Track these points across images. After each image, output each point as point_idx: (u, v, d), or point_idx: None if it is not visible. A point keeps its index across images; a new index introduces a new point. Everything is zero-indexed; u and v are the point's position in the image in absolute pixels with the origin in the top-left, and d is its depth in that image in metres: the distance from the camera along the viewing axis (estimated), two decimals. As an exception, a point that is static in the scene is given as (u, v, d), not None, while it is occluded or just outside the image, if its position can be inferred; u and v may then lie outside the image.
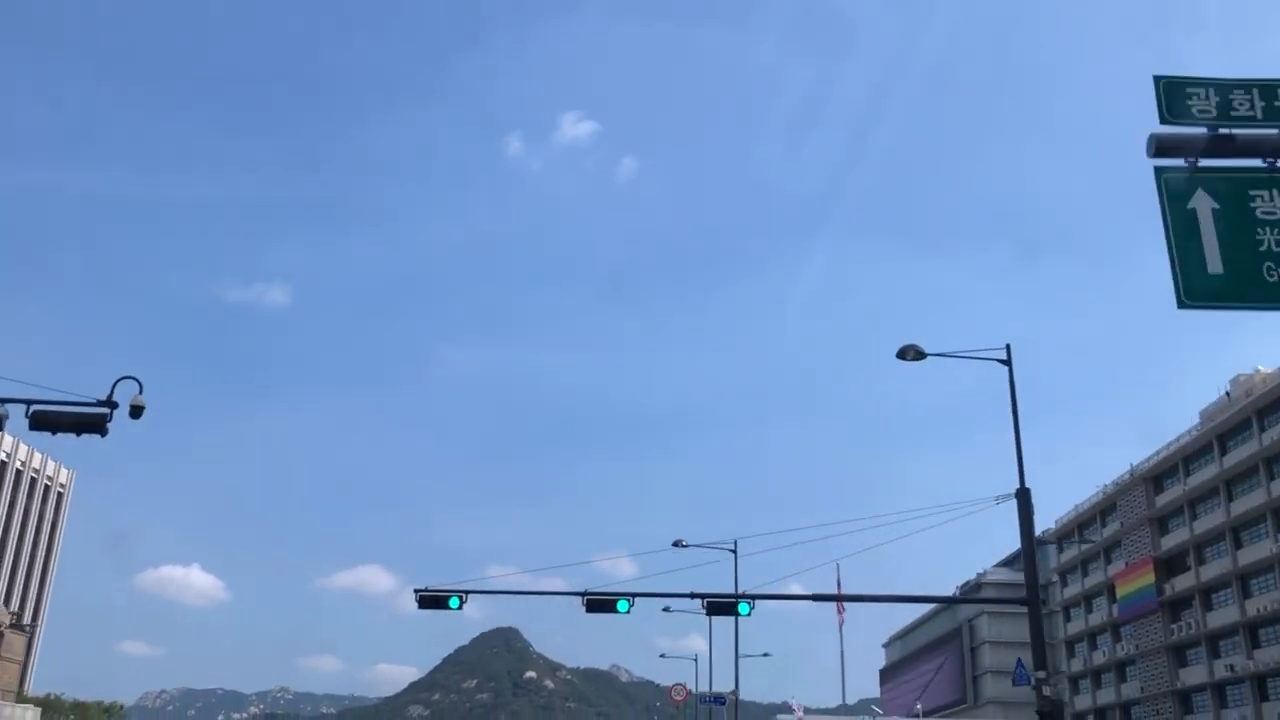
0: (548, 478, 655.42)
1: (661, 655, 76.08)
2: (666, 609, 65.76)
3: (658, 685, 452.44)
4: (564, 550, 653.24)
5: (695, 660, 73.65)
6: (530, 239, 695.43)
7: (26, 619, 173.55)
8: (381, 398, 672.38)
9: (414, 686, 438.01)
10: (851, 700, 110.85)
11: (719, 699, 48.89)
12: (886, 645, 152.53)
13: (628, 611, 29.57)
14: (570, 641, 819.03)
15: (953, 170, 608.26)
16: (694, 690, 77.17)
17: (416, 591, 30.02)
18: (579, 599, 30.33)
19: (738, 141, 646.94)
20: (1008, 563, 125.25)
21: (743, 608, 29.49)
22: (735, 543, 49.83)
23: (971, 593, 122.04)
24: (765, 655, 68.96)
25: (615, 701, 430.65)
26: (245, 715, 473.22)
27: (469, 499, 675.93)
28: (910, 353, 29.04)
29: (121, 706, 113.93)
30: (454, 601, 29.81)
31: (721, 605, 29.86)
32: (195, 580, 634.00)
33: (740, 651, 73.22)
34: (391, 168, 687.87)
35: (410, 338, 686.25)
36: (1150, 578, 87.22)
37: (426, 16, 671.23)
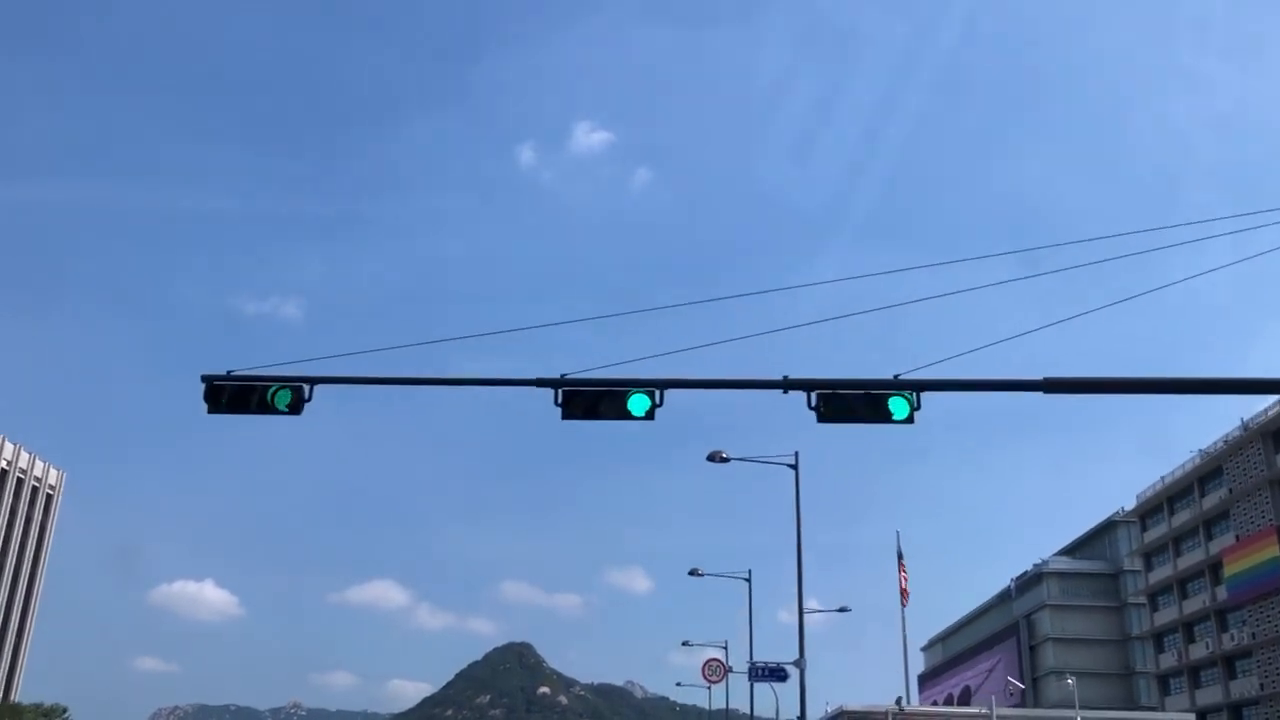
0: (561, 492, 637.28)
1: (684, 643, 59.38)
2: (695, 570, 49.61)
3: (673, 701, 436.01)
4: (576, 565, 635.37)
5: (725, 646, 56.42)
6: (543, 251, 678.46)
7: (13, 625, 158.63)
8: (395, 411, 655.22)
9: (427, 702, 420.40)
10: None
11: (777, 671, 32.65)
12: (925, 649, 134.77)
13: (646, 415, 13.24)
14: (584, 657, 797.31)
15: (969, 180, 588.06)
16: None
17: (206, 380, 13.60)
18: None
19: (756, 151, 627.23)
20: (1070, 550, 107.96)
21: (898, 405, 13.07)
22: (796, 455, 33.57)
23: (1030, 585, 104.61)
24: (843, 610, 52.70)
25: (630, 718, 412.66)
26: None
27: (482, 513, 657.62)
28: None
29: (64, 710, 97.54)
30: (282, 398, 13.47)
31: (847, 403, 13.42)
32: (209, 595, 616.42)
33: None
34: (404, 179, 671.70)
35: (423, 350, 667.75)
36: (1273, 550, 70.12)
37: (438, 25, 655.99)
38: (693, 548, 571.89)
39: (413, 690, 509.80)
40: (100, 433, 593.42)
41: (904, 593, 65.02)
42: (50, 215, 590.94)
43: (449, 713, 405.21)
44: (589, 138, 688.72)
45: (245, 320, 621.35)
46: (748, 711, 68.07)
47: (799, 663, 32.27)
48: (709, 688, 43.28)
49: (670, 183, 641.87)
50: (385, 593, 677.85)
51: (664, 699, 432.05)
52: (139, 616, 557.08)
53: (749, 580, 48.49)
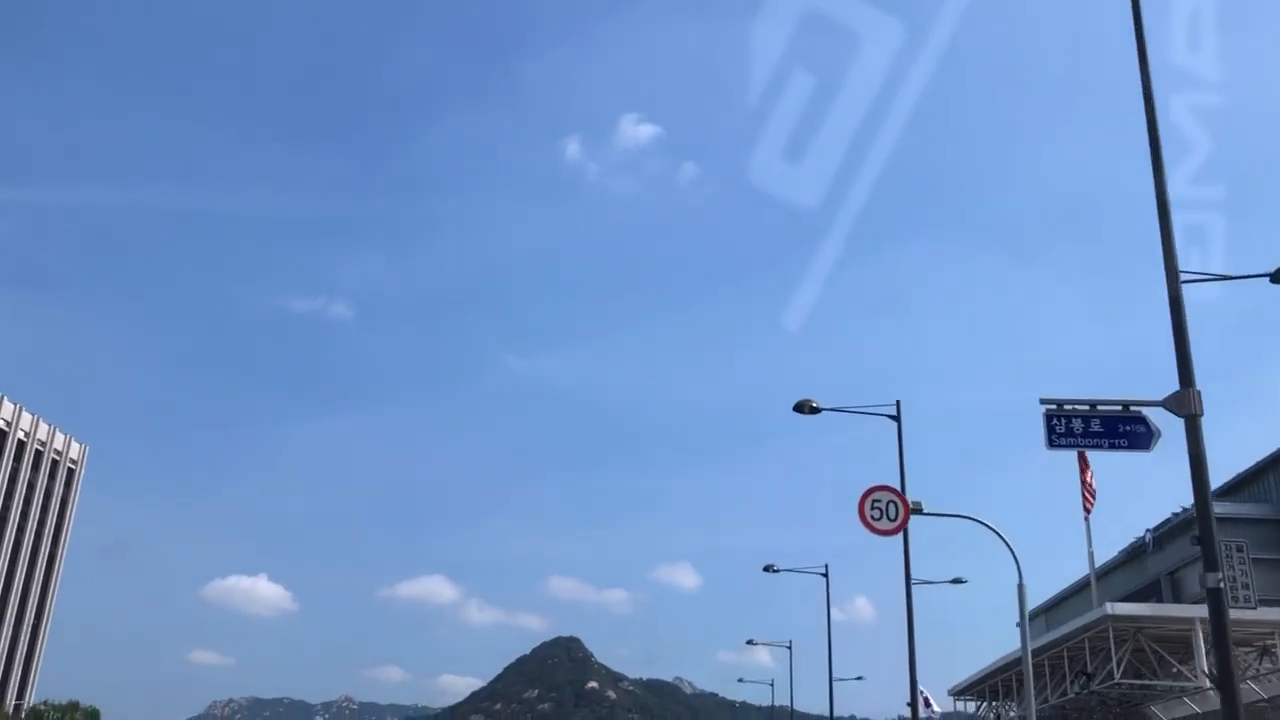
0: (609, 487, 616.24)
1: (768, 567, 38.74)
2: (804, 404, 28.18)
3: (721, 697, 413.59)
4: (625, 561, 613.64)
5: (826, 572, 34.86)
6: (591, 246, 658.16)
7: (32, 602, 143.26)
8: (444, 408, 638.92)
9: (475, 696, 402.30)
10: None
11: (1134, 427, 12.25)
12: (1022, 624, 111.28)
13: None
14: (633, 653, 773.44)
15: (1002, 164, 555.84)
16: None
17: None
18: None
19: (796, 140, 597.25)
20: (1226, 492, 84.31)
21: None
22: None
23: (1175, 536, 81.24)
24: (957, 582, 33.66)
25: (678, 714, 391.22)
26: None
27: (531, 509, 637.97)
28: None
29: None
30: None
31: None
32: (262, 590, 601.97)
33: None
34: (450, 176, 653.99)
35: (472, 347, 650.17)
36: None
37: (480, 20, 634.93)
38: (743, 544, 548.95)
39: (462, 685, 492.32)
40: (154, 429, 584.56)
41: (1087, 494, 43.26)
42: (97, 217, 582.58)
43: (498, 706, 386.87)
44: (635, 130, 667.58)
45: (294, 319, 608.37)
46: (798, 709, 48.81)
47: (1180, 402, 10.84)
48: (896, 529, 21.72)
49: (715, 175, 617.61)
50: (435, 588, 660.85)
51: (713, 695, 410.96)
52: (195, 610, 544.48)
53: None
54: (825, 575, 40.00)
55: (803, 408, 23.55)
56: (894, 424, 24.02)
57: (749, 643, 57.54)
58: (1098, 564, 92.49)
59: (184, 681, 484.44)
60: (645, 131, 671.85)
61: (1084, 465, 43.39)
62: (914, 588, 23.83)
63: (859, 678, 47.63)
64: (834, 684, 42.13)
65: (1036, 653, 38.74)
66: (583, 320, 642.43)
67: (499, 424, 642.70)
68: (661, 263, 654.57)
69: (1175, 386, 11.74)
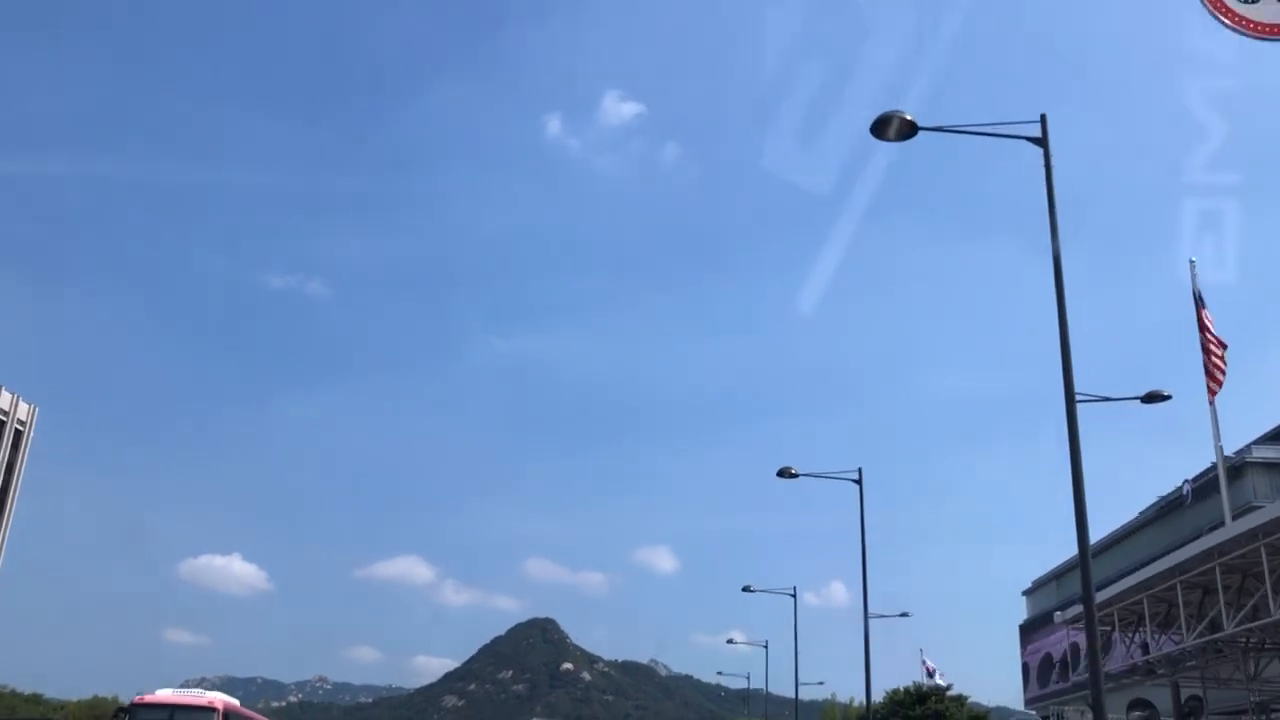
0: (588, 469, 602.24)
1: (787, 468, 27.15)
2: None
3: (697, 680, 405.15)
4: (603, 543, 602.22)
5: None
6: (570, 225, 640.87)
7: None
8: (423, 387, 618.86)
9: (449, 677, 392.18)
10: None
11: None
12: (1029, 592, 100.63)
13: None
14: (608, 635, 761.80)
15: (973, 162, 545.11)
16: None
17: None
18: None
19: (793, 116, 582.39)
20: (1275, 436, 73.93)
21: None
22: None
23: (1218, 485, 70.84)
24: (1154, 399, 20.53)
25: (653, 695, 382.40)
26: (284, 704, 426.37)
27: (508, 490, 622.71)
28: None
29: None
30: None
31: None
32: (236, 569, 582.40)
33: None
34: (429, 152, 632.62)
35: (450, 325, 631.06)
36: None
37: None
38: (723, 525, 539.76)
39: (437, 665, 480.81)
40: (126, 404, 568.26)
41: (1214, 370, 32.14)
42: (69, 189, 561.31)
43: (472, 687, 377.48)
44: (618, 108, 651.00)
45: (270, 295, 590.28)
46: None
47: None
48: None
49: (698, 153, 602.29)
50: (411, 568, 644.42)
51: (688, 677, 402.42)
52: (168, 589, 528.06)
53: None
54: (859, 482, 29.42)
55: (885, 125, 16.43)
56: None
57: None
58: (1123, 523, 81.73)
59: (156, 660, 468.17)
60: (628, 109, 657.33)
61: (1203, 324, 32.18)
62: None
63: (904, 614, 38.22)
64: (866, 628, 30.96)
65: (1211, 555, 25.91)
66: (564, 299, 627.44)
67: (478, 404, 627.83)
68: (642, 242, 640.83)
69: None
